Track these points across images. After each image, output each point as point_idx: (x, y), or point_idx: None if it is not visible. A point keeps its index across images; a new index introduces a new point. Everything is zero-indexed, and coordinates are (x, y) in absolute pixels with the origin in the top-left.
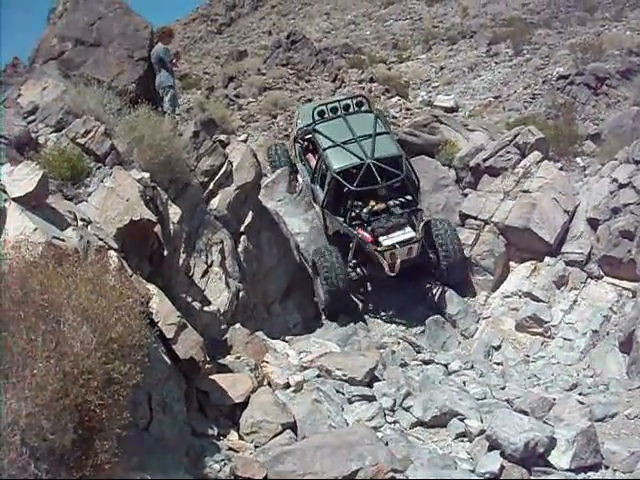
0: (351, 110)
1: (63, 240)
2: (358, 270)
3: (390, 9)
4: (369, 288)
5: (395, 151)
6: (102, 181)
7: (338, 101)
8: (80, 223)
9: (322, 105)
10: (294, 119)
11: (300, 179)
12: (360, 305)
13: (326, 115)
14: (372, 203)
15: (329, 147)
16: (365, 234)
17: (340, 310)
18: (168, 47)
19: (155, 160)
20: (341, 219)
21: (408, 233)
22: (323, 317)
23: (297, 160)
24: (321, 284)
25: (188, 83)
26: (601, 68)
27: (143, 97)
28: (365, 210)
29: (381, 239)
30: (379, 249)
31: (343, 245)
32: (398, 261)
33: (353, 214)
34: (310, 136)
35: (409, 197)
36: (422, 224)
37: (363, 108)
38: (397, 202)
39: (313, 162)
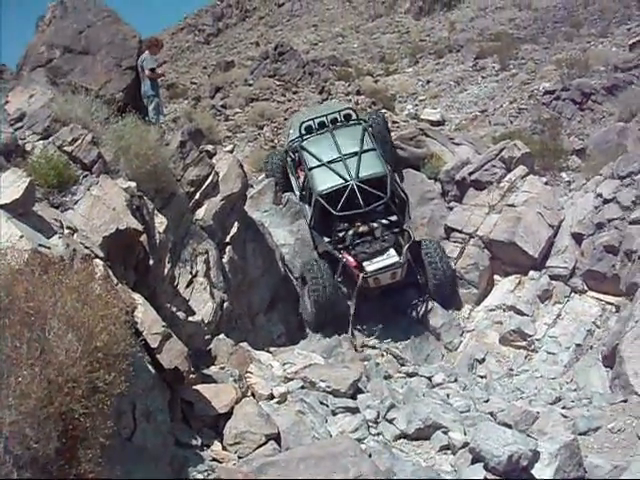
0: (339, 124)
1: (49, 248)
2: (344, 289)
3: (377, 22)
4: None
5: (380, 170)
6: (89, 189)
7: (325, 115)
8: (66, 231)
9: (309, 120)
10: (287, 129)
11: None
12: (347, 317)
13: (313, 130)
14: (357, 224)
15: (314, 167)
16: (349, 258)
17: (327, 322)
18: (152, 56)
19: (142, 169)
20: (327, 239)
21: (392, 257)
22: (307, 329)
23: (289, 172)
24: (308, 295)
25: (175, 93)
26: (587, 84)
27: (130, 106)
28: (350, 232)
29: (365, 264)
30: (363, 275)
31: (332, 262)
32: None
33: (338, 237)
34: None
35: (395, 218)
36: (407, 246)
37: (351, 121)
38: (382, 223)
39: (302, 177)
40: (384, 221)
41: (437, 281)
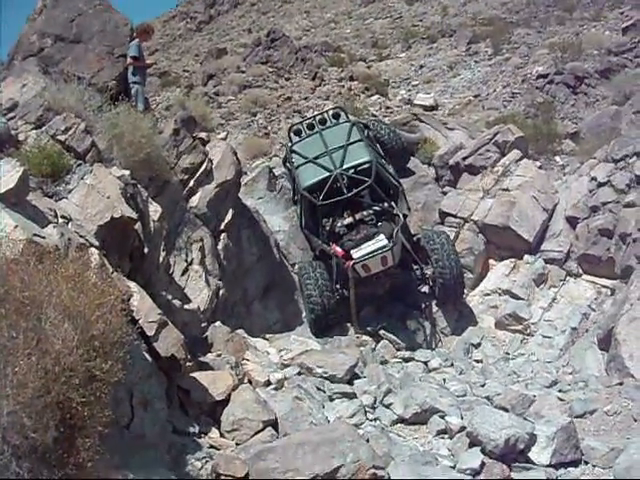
0: (328, 124)
1: (44, 237)
2: (345, 292)
3: (370, 7)
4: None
5: (365, 157)
6: (82, 178)
7: (313, 117)
8: (61, 220)
9: (298, 124)
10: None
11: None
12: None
13: (303, 133)
14: (345, 215)
15: (300, 165)
16: (337, 249)
17: (326, 328)
18: (138, 43)
19: (135, 157)
20: (322, 237)
21: (380, 241)
22: (303, 315)
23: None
24: (304, 303)
25: (167, 81)
26: (580, 67)
27: (123, 94)
28: (339, 224)
29: (352, 252)
30: (352, 263)
31: (329, 264)
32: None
33: (327, 230)
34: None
35: (386, 204)
36: (397, 230)
37: (341, 119)
38: (371, 211)
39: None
40: (375, 209)
41: (444, 281)
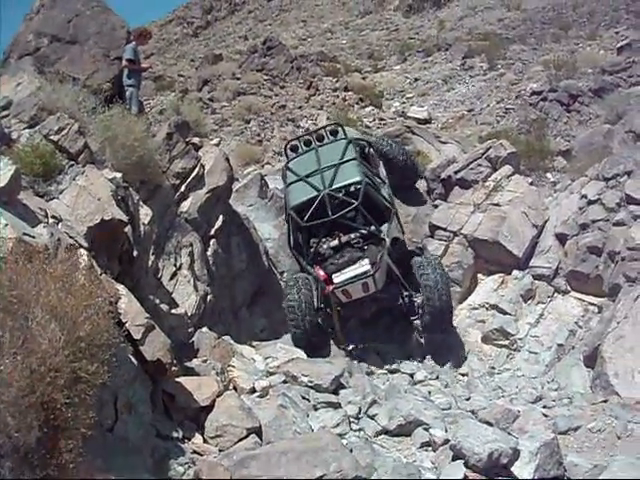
0: (325, 140)
1: (33, 237)
2: (330, 311)
3: (367, 19)
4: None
5: (356, 177)
6: (74, 179)
7: (310, 133)
8: (51, 220)
9: (294, 140)
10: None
11: None
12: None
13: (299, 150)
14: (332, 236)
15: (292, 182)
16: (320, 272)
17: (308, 349)
18: (134, 46)
19: (127, 160)
20: (307, 258)
21: (363, 266)
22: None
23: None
24: (287, 320)
25: (162, 85)
26: (574, 85)
27: (118, 96)
28: (325, 245)
29: (334, 277)
30: (331, 288)
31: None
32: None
33: (312, 251)
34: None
35: (373, 227)
36: (380, 255)
37: (338, 136)
38: (358, 234)
39: None
40: (362, 232)
41: (430, 303)
